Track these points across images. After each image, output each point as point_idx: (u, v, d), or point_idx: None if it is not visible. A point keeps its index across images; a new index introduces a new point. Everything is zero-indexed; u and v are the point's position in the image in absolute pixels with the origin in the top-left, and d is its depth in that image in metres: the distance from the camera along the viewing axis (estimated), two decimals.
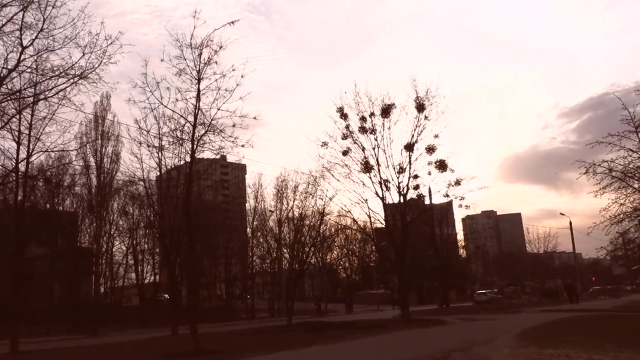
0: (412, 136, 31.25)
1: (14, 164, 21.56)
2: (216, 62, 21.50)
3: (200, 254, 49.52)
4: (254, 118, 21.77)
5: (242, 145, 22.41)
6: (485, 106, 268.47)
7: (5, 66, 15.64)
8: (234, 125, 21.91)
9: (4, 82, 15.72)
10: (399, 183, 31.73)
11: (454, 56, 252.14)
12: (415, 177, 31.80)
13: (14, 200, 25.24)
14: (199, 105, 22.28)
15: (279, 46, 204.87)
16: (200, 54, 21.39)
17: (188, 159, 24.38)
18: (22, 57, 15.78)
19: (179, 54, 20.93)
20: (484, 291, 68.37)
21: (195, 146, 23.26)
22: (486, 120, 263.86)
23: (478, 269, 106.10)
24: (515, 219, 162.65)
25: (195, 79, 21.58)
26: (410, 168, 31.57)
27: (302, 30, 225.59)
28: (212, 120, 22.23)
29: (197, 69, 21.57)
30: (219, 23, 20.81)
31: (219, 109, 21.23)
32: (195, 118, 22.44)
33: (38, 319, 35.61)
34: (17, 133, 20.42)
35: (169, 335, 27.44)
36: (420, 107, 31.14)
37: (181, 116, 23.18)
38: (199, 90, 21.72)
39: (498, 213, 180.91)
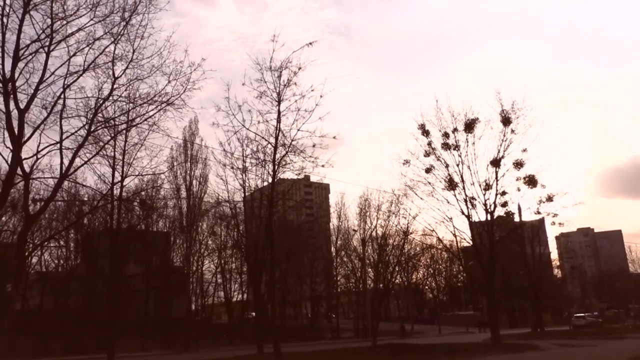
0: (498, 151, 30.14)
1: (109, 187, 23.00)
2: (295, 84, 21.92)
3: (285, 272, 50.16)
4: (334, 137, 21.94)
5: (323, 165, 22.59)
6: (580, 115, 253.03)
7: (100, 96, 16.65)
8: (314, 146, 22.15)
9: (99, 111, 16.75)
10: (485, 200, 30.59)
11: (543, 62, 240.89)
12: (503, 193, 30.55)
13: (110, 222, 26.80)
14: (279, 127, 22.73)
15: (358, 64, 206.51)
16: (279, 76, 21.88)
17: (270, 180, 24.93)
18: (115, 86, 16.76)
19: (259, 77, 21.51)
20: (582, 314, 63.91)
21: (276, 167, 23.71)
22: (581, 130, 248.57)
23: (574, 289, 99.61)
24: (615, 236, 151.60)
25: (276, 100, 22.07)
26: (497, 184, 30.40)
27: (381, 46, 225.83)
28: (292, 140, 22.60)
29: (277, 91, 22.06)
30: (300, 46, 21.28)
31: (299, 130, 21.59)
32: (276, 139, 22.90)
33: (133, 334, 37.43)
34: (111, 159, 21.83)
35: (255, 354, 27.79)
36: (506, 121, 29.99)
37: (262, 138, 23.78)
38: (279, 112, 22.18)
39: (596, 230, 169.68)
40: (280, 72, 21.84)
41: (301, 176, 26.59)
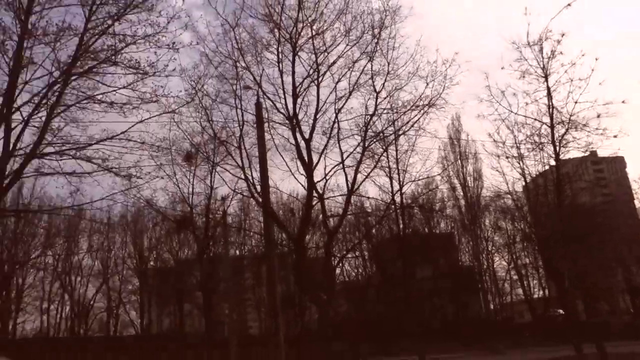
0: None
1: (390, 196, 24.27)
2: (561, 53, 19.84)
3: (589, 262, 45.23)
4: (622, 102, 19.06)
5: (614, 136, 19.86)
6: None
7: (367, 113, 17.74)
8: (598, 116, 19.62)
9: (369, 127, 17.79)
10: None
11: None
12: None
13: (397, 229, 28.16)
14: (551, 104, 20.80)
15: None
16: (541, 50, 20.07)
17: (553, 162, 22.88)
18: (378, 101, 17.66)
19: (518, 57, 20.09)
20: None
21: (557, 148, 21.67)
22: None
23: None
24: None
25: (542, 76, 20.28)
26: None
27: None
28: (571, 116, 20.45)
29: (542, 66, 20.24)
30: (557, 10, 19.15)
31: (576, 102, 19.34)
32: (551, 118, 20.99)
33: (434, 336, 38.12)
34: (387, 169, 23.08)
35: (574, 355, 25.49)
36: None
37: (535, 119, 22.03)
38: (548, 88, 20.30)
39: None
40: (541, 44, 20.00)
41: (587, 154, 23.79)
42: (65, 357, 33.68)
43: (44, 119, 14.50)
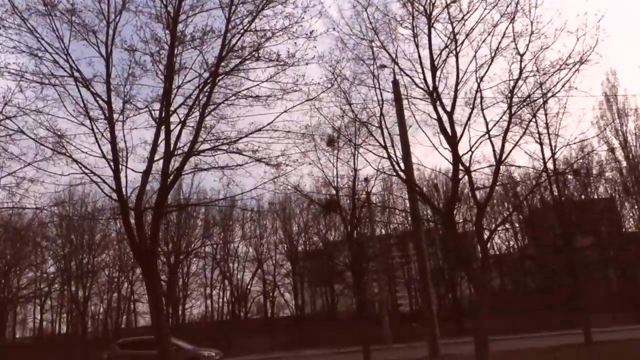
0: None
1: (542, 164, 22.69)
2: None
3: None
4: None
5: None
6: None
7: (511, 78, 16.55)
8: None
9: (514, 93, 16.61)
10: None
11: None
12: None
13: (550, 197, 26.37)
14: None
15: None
16: None
17: None
18: (523, 64, 16.38)
19: None
20: None
21: None
22: None
23: None
24: None
25: None
26: None
27: None
28: None
29: None
30: None
31: None
32: None
33: (599, 308, 35.38)
34: (537, 135, 21.61)
35: None
36: None
37: None
38: None
39: None
40: None
41: None
42: (226, 336, 36.58)
43: (197, 118, 15.49)
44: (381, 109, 17.94)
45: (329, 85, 17.14)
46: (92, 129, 15.19)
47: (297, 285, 47.09)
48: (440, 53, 16.39)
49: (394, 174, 18.58)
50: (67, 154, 15.36)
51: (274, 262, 48.27)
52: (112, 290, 46.88)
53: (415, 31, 16.52)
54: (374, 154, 18.73)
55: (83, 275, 44.70)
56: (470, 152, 16.22)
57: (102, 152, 15.13)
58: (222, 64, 15.39)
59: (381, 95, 17.93)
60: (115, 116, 15.27)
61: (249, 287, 48.32)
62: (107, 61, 15.19)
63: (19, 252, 42.13)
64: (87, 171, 15.25)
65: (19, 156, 17.76)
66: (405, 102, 18.66)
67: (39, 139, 15.60)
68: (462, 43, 16.27)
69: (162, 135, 15.25)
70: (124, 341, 24.47)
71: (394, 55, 17.12)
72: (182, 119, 15.46)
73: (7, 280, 43.33)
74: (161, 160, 15.24)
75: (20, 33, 14.42)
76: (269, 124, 15.79)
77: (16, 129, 15.75)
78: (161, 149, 15.31)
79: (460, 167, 16.31)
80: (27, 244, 41.24)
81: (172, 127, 15.40)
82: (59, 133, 15.44)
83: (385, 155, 17.71)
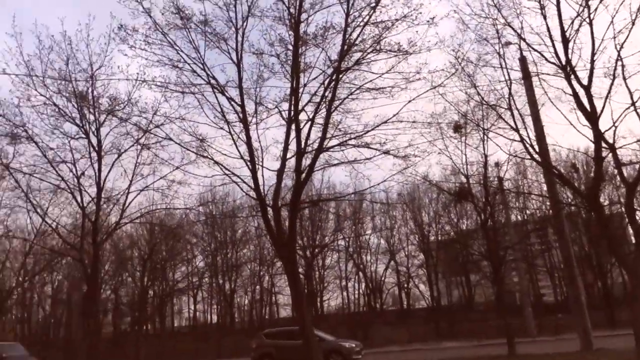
0: None
1: None
2: None
3: None
4: None
5: None
6: None
7: None
8: None
9: None
10: None
11: None
12: None
13: None
14: None
15: None
16: None
17: None
18: None
19: None
20: None
21: None
22: None
23: None
24: None
25: None
26: None
27: None
28: None
29: None
30: None
31: None
32: None
33: None
34: None
35: None
36: None
37: None
38: None
39: None
40: None
41: None
42: (363, 327, 37.13)
43: (324, 115, 16.00)
44: (509, 89, 17.21)
45: (453, 71, 16.79)
46: (230, 132, 16.41)
47: (432, 276, 46.49)
48: (572, 23, 15.27)
49: (528, 157, 17.70)
50: (209, 157, 16.76)
51: (406, 253, 48.16)
52: (255, 283, 49.68)
53: (541, 2, 15.58)
54: (504, 137, 18.01)
55: (228, 269, 47.95)
56: (613, 127, 14.95)
57: (239, 153, 16.29)
58: (344, 58, 15.72)
59: (508, 75, 17.19)
60: (249, 118, 16.34)
61: (383, 278, 48.67)
62: (238, 66, 16.30)
63: (172, 248, 46.34)
64: (227, 172, 16.52)
65: (168, 161, 19.86)
66: (535, 79, 17.62)
67: (184, 144, 17.23)
68: (596, 9, 15.03)
69: (293, 134, 15.99)
70: (270, 331, 25.75)
71: (519, 31, 16.29)
72: (311, 117, 16.06)
73: (164, 274, 47.79)
74: (293, 158, 16.00)
75: (162, 47, 16.02)
76: (394, 115, 15.88)
77: (164, 136, 17.60)
78: (292, 147, 16.09)
79: (603, 145, 15.12)
80: (179, 241, 45.25)
81: (301, 125, 16.09)
82: (200, 138, 16.89)
83: (517, 137, 16.97)
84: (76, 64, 20.96)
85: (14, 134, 21.23)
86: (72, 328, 44.15)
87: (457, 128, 20.89)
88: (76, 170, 22.02)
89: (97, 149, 21.92)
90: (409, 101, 15.79)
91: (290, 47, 16.01)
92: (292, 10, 15.76)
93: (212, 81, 16.27)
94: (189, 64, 16.19)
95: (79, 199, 22.15)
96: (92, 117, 21.85)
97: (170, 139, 17.39)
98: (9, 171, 22.42)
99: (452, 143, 21.70)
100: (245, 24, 16.10)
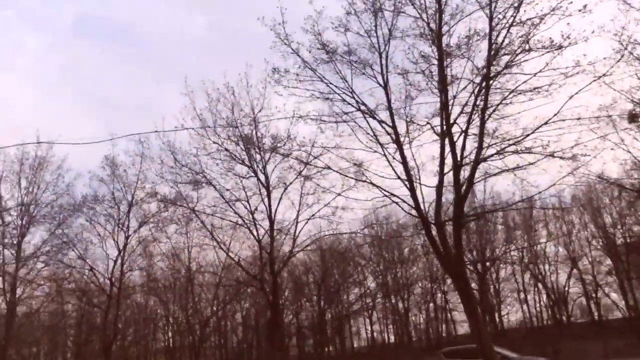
0: None
1: None
2: None
3: None
4: None
5: None
6: None
7: None
8: None
9: None
10: None
11: None
12: None
13: None
14: None
15: None
16: None
17: None
18: None
19: None
20: None
21: None
22: None
23: None
24: None
25: None
26: None
27: None
28: None
29: None
30: None
31: None
32: None
33: None
34: None
35: None
36: None
37: None
38: None
39: None
40: None
41: None
42: (550, 342, 34.38)
43: (478, 124, 15.55)
44: None
45: (619, 57, 15.27)
46: (384, 154, 16.72)
47: (624, 283, 41.69)
48: None
49: None
50: (368, 181, 17.23)
51: (590, 259, 43.93)
52: (428, 301, 48.92)
53: None
54: None
55: (400, 289, 47.94)
56: None
57: (396, 173, 16.49)
58: (493, 63, 15.20)
59: None
60: (402, 138, 16.50)
61: (566, 288, 44.84)
62: (386, 89, 16.65)
63: (344, 271, 47.78)
64: (386, 193, 16.78)
65: (330, 189, 20.86)
66: None
67: (343, 171, 17.96)
68: None
69: (448, 148, 15.77)
70: (449, 350, 25.16)
71: None
72: (464, 128, 15.72)
73: (339, 297, 49.31)
74: (451, 172, 15.75)
75: (313, 82, 17.03)
76: (555, 115, 14.89)
77: (323, 166, 18.55)
78: (449, 160, 15.86)
79: None
80: (349, 264, 46.58)
81: (455, 137, 15.82)
82: (357, 163, 17.47)
83: None
84: (240, 110, 23.31)
85: (196, 180, 24.06)
86: (262, 351, 47.43)
87: (632, 117, 18.84)
88: (250, 207, 24.24)
89: (265, 185, 23.92)
90: (571, 97, 14.71)
91: (435, 62, 15.94)
92: (432, 25, 15.74)
93: (362, 107, 16.81)
94: (338, 94, 16.96)
95: (255, 232, 24.29)
96: (258, 157, 23.97)
97: (329, 168, 18.26)
98: (195, 214, 25.36)
99: (628, 135, 19.58)
100: (387, 47, 16.46)
